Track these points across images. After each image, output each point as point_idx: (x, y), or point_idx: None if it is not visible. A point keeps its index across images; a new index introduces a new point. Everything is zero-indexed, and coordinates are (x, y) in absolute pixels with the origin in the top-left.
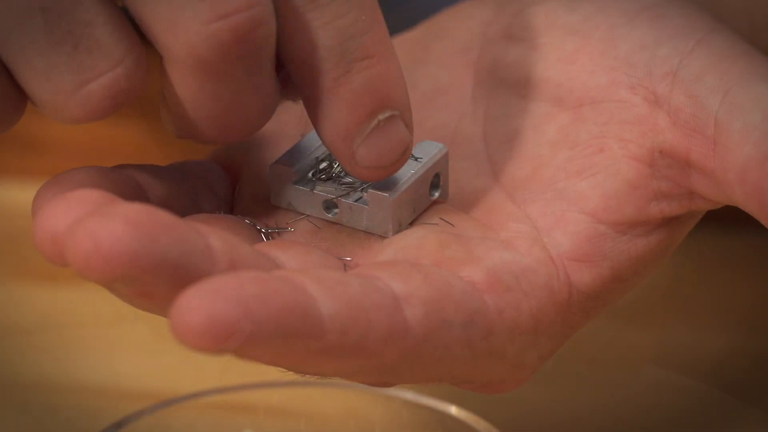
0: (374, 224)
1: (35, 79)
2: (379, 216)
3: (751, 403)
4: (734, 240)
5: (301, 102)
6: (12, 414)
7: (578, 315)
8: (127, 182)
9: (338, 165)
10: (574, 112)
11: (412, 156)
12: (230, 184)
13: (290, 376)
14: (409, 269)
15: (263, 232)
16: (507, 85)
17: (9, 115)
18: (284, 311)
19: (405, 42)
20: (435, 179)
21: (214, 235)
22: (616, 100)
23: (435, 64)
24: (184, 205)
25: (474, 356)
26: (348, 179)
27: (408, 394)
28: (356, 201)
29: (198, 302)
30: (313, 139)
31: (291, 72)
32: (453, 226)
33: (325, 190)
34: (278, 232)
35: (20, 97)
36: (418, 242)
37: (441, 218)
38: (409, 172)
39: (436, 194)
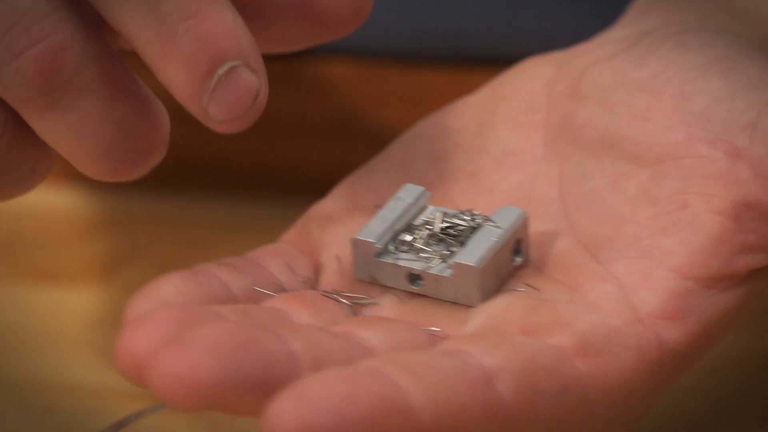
0: (460, 295)
1: None
2: (465, 286)
3: (751, 403)
4: None
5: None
6: (12, 414)
7: (669, 373)
8: (210, 283)
9: (420, 235)
10: (653, 169)
11: (493, 223)
12: (310, 263)
13: None
14: (498, 340)
15: (348, 305)
16: (580, 145)
17: None
18: (375, 409)
19: (470, 105)
20: (516, 245)
21: (295, 336)
22: (696, 155)
23: (503, 126)
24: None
25: (569, 422)
26: (431, 249)
27: None
28: (441, 272)
29: (289, 413)
30: (391, 209)
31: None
32: (538, 290)
33: (408, 262)
34: (363, 306)
35: None
36: (504, 310)
37: (526, 284)
38: (492, 240)
39: (519, 260)
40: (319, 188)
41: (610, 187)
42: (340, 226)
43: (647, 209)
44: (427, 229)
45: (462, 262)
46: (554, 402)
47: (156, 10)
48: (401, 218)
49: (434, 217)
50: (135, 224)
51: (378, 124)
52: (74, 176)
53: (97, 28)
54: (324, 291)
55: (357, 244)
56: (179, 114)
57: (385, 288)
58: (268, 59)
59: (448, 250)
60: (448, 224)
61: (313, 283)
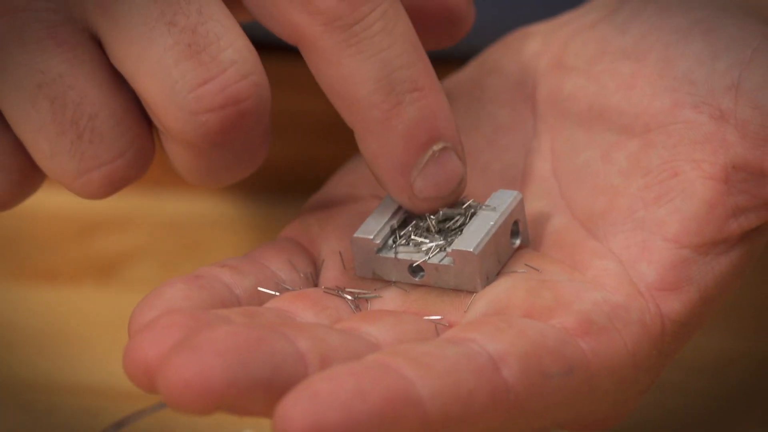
0: (462, 281)
1: (42, 160)
2: (465, 272)
3: (751, 403)
4: None
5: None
6: (12, 414)
7: (673, 344)
8: (213, 286)
9: (417, 226)
10: (641, 138)
11: (489, 207)
12: (311, 259)
13: None
14: (500, 325)
15: (351, 301)
16: (569, 118)
17: (26, 188)
18: (384, 402)
19: (459, 82)
20: (514, 227)
21: (302, 335)
22: (682, 121)
23: (492, 102)
24: (271, 295)
25: (576, 401)
26: (427, 241)
27: None
28: (441, 261)
29: (299, 411)
30: (388, 204)
31: (337, 106)
32: (539, 271)
33: (408, 255)
34: (367, 300)
35: (38, 170)
36: (506, 293)
37: (526, 264)
38: (488, 224)
39: (517, 241)
40: (319, 188)
41: (601, 160)
42: (339, 218)
43: (639, 180)
44: (424, 220)
45: (460, 249)
46: (561, 383)
47: (389, 77)
48: (398, 212)
49: None
50: (135, 224)
51: None
52: None
53: None
54: (326, 288)
55: (356, 243)
56: None
57: (388, 282)
58: (268, 59)
59: (447, 239)
60: (444, 215)
61: (314, 278)
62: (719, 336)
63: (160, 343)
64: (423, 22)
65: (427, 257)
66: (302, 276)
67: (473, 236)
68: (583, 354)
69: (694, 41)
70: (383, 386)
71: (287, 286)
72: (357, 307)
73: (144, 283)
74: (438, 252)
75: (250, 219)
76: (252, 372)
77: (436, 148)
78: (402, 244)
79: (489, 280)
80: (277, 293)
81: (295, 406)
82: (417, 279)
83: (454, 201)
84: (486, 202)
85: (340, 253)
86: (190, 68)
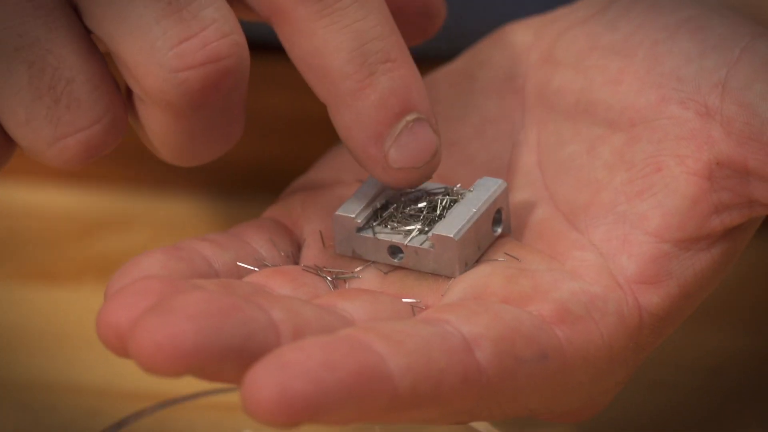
0: (441, 266)
1: (16, 127)
2: (445, 257)
3: (751, 403)
4: None
5: None
6: (12, 414)
7: (650, 337)
8: (191, 258)
9: (400, 209)
10: (627, 132)
11: (473, 193)
12: (293, 239)
13: None
14: (476, 308)
15: (329, 280)
16: (557, 111)
17: None
18: (353, 375)
19: (449, 73)
20: (497, 215)
21: (276, 306)
22: (668, 116)
23: (481, 94)
24: (250, 271)
25: (550, 389)
26: (410, 223)
27: None
28: (421, 244)
29: (266, 379)
30: (371, 184)
31: (309, 81)
32: (519, 260)
33: (389, 236)
34: (345, 280)
35: (8, 140)
36: (484, 280)
37: (506, 253)
38: (471, 211)
39: (499, 230)
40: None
41: (586, 154)
42: (322, 200)
43: (623, 174)
44: (408, 203)
45: (440, 233)
46: (534, 368)
47: (362, 47)
48: (381, 193)
49: (414, 191)
50: (135, 224)
51: None
52: (75, 176)
53: None
54: (305, 266)
55: (338, 220)
56: None
57: (367, 262)
58: (268, 59)
59: (428, 223)
60: (427, 198)
61: (295, 257)
62: (718, 336)
63: (133, 306)
64: (400, 14)
65: (407, 240)
66: (283, 255)
67: (455, 222)
68: (558, 341)
69: (683, 39)
70: (353, 359)
71: (267, 263)
72: (335, 286)
73: None
74: (419, 235)
75: (250, 219)
76: (224, 338)
77: (409, 118)
78: (383, 225)
79: (468, 266)
80: (257, 270)
81: (263, 374)
82: (396, 261)
83: (430, 174)
84: (470, 188)
85: (320, 232)
86: (170, 25)
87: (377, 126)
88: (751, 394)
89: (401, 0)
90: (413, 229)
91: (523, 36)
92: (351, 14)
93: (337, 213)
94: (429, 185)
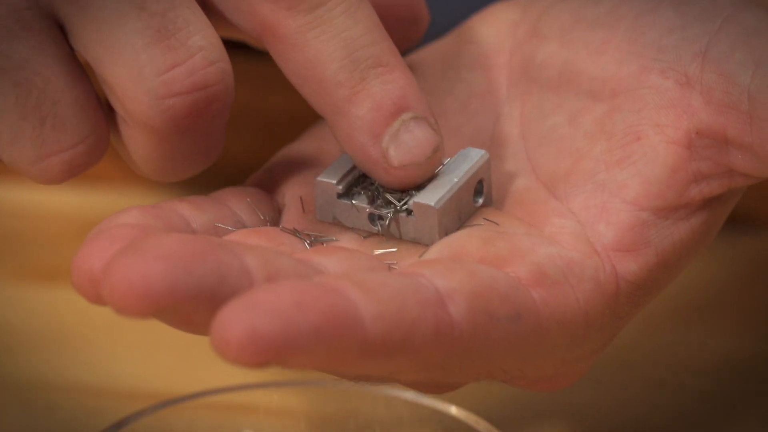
0: (421, 234)
1: (1, 145)
2: (425, 226)
3: (751, 403)
4: (734, 240)
5: None
6: (12, 414)
7: (627, 306)
8: (170, 217)
9: None
10: (608, 102)
11: (455, 164)
12: (274, 206)
13: (290, 375)
14: (452, 265)
15: (307, 243)
16: (540, 84)
17: None
18: (323, 317)
19: (437, 50)
20: (478, 186)
21: (250, 253)
22: (648, 86)
23: (468, 68)
24: (229, 231)
25: (523, 351)
26: (391, 191)
27: (408, 394)
28: (401, 212)
29: (236, 318)
30: None
31: (305, 94)
32: (497, 224)
33: (369, 203)
34: (323, 243)
35: None
36: (461, 240)
37: (485, 218)
38: (452, 180)
39: (480, 200)
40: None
41: (568, 124)
42: (305, 169)
43: (603, 143)
44: None
45: (421, 202)
46: (508, 327)
47: (353, 55)
48: None
49: None
50: None
51: None
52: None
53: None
54: (284, 227)
55: (319, 186)
56: None
57: (347, 228)
58: (268, 59)
59: (409, 191)
60: None
61: (275, 222)
62: (721, 337)
63: (106, 250)
64: (386, 22)
65: (388, 208)
66: (263, 219)
67: (436, 191)
68: (534, 303)
69: (666, 11)
70: (325, 302)
71: (247, 226)
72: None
73: None
74: (400, 203)
75: None
76: (196, 280)
77: (405, 117)
78: (365, 192)
79: (447, 235)
80: (234, 230)
81: (233, 313)
82: (376, 228)
83: (432, 171)
84: (453, 158)
85: (300, 198)
86: (158, 53)
87: (373, 127)
88: (752, 395)
89: (387, 7)
90: (394, 197)
91: (510, 12)
92: (340, 24)
93: (318, 179)
94: None
